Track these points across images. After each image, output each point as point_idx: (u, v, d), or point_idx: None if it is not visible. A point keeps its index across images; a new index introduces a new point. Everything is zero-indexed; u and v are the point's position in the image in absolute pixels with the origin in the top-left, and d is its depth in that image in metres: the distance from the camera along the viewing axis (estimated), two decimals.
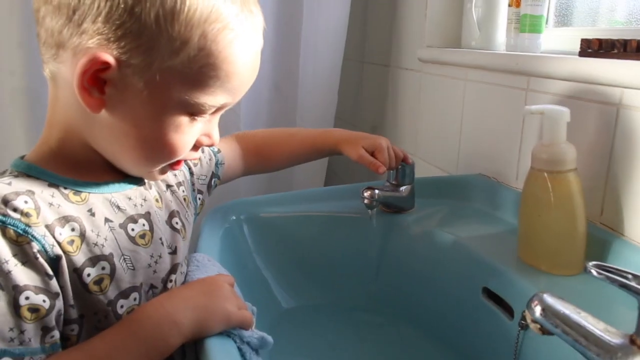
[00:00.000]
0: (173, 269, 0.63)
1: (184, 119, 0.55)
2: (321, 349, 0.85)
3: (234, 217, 0.90)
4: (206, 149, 0.80)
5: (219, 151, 0.83)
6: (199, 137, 0.59)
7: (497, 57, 0.99)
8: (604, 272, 0.47)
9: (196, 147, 0.60)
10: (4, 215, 0.49)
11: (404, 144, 1.37)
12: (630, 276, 0.46)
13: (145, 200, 0.62)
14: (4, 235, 0.48)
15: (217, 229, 0.85)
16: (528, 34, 1.05)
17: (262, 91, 1.38)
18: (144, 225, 0.60)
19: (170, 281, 0.62)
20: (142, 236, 0.59)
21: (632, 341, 0.46)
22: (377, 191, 0.88)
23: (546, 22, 1.13)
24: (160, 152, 0.56)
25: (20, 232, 0.49)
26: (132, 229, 0.58)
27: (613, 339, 0.47)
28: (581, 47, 0.81)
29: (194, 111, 0.55)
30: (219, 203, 0.92)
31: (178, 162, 0.61)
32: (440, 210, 0.97)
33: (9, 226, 0.49)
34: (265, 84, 1.38)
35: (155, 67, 0.51)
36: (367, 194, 0.87)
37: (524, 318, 0.67)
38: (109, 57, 0.50)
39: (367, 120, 1.64)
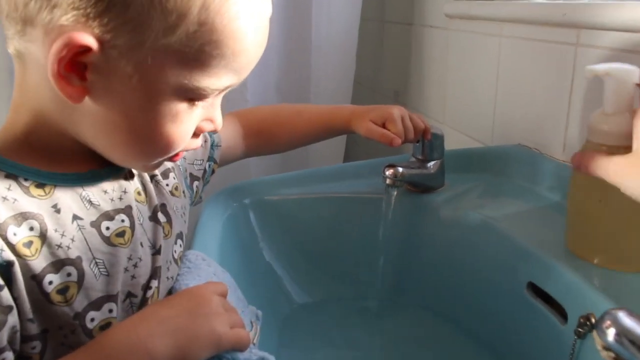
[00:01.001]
0: (154, 273, 0.53)
1: (182, 106, 0.46)
2: (340, 349, 0.76)
3: (238, 202, 0.80)
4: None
5: (214, 131, 0.72)
6: (200, 123, 0.51)
7: (539, 7, 0.85)
8: None
9: (197, 134, 0.51)
10: None
11: (431, 111, 1.24)
12: None
13: (125, 192, 0.52)
14: None
15: (218, 217, 0.76)
16: None
17: (271, 59, 1.26)
18: (122, 221, 0.50)
19: (150, 288, 0.53)
20: (121, 234, 0.50)
21: None
22: (400, 169, 0.76)
23: None
24: (156, 145, 0.48)
25: None
26: (107, 227, 0.49)
27: None
28: None
29: (194, 96, 0.46)
30: (223, 185, 0.82)
31: (177, 154, 0.51)
32: (475, 187, 0.85)
33: None
34: (274, 51, 1.27)
35: (147, 47, 0.42)
36: (389, 172, 0.76)
37: (580, 325, 0.56)
38: (88, 39, 0.41)
39: (390, 86, 1.52)
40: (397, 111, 0.77)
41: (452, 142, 1.08)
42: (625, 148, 0.54)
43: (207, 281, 0.56)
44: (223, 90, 0.49)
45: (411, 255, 0.82)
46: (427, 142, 0.80)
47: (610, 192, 0.57)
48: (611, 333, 0.39)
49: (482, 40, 1.01)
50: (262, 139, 0.80)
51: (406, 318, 0.81)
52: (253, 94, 1.23)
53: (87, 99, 0.44)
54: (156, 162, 0.51)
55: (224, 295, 0.53)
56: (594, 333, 0.41)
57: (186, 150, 0.53)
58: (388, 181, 0.76)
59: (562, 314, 0.61)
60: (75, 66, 0.42)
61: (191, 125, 0.49)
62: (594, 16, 0.73)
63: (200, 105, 0.48)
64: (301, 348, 0.75)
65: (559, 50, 0.80)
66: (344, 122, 0.79)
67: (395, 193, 0.77)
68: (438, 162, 0.81)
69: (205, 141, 0.71)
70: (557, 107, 0.82)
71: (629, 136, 0.53)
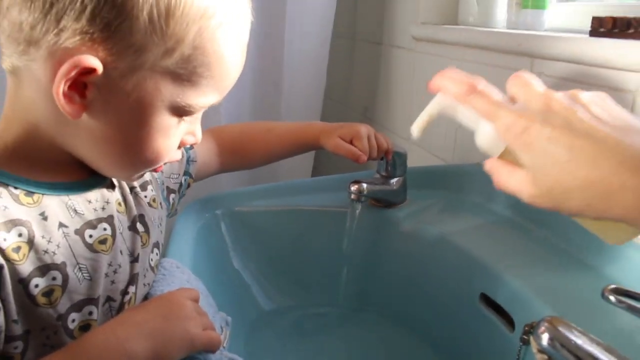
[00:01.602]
0: (132, 279, 0.56)
1: (172, 121, 0.50)
2: (305, 354, 0.79)
3: (210, 213, 0.83)
4: None
5: (190, 147, 0.75)
6: (184, 137, 0.54)
7: (498, 35, 0.91)
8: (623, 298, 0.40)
9: (179, 147, 0.55)
10: None
11: (397, 127, 1.29)
12: None
13: (107, 202, 0.55)
14: None
15: (191, 227, 0.79)
16: (531, 10, 0.97)
17: (245, 73, 1.29)
18: (104, 229, 0.53)
19: (127, 293, 0.55)
20: (103, 241, 0.53)
21: None
22: (364, 185, 0.80)
23: None
24: (145, 158, 0.51)
25: None
26: (90, 235, 0.52)
27: None
28: (592, 26, 0.73)
29: (184, 113, 0.50)
30: (196, 197, 0.85)
31: (160, 165, 0.55)
32: (434, 204, 0.89)
33: None
34: (247, 66, 1.29)
35: (146, 69, 0.46)
36: (354, 188, 0.80)
37: (525, 332, 0.61)
38: (95, 61, 0.43)
39: (359, 101, 1.56)
40: (364, 129, 0.81)
41: (416, 158, 1.13)
42: None
43: (181, 287, 0.59)
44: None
45: (373, 266, 0.86)
46: (390, 160, 0.84)
47: None
48: (545, 338, 0.44)
49: (446, 63, 1.07)
50: (236, 155, 0.82)
51: (367, 325, 0.84)
52: (226, 108, 1.26)
53: (84, 115, 0.47)
54: (141, 172, 0.55)
55: (196, 300, 0.56)
56: (531, 338, 0.46)
57: (166, 162, 0.56)
58: (353, 196, 0.80)
59: (511, 323, 0.66)
60: (77, 85, 0.45)
61: (177, 138, 0.53)
62: (545, 47, 0.78)
63: (186, 120, 0.52)
64: (267, 352, 0.78)
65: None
66: (313, 138, 0.83)
67: (360, 207, 0.81)
68: (400, 179, 0.86)
69: (182, 156, 0.73)
70: None
71: None
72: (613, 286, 0.40)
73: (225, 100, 1.23)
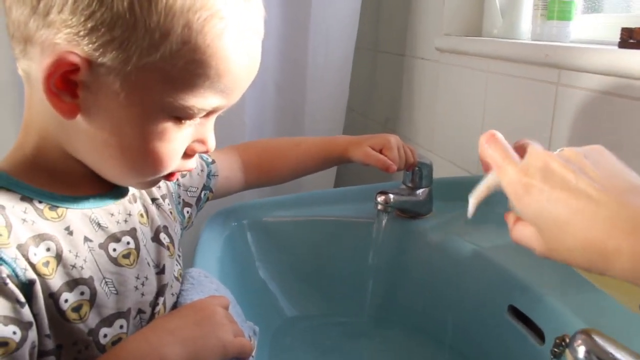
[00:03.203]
0: (160, 291, 0.56)
1: (168, 125, 0.47)
2: None
3: (236, 223, 0.84)
4: (197, 159, 0.73)
5: (212, 162, 0.75)
6: (192, 144, 0.52)
7: (523, 47, 0.91)
8: None
9: (189, 155, 0.52)
10: None
11: (420, 138, 1.29)
12: None
13: (130, 215, 0.55)
14: None
15: (217, 236, 0.79)
16: (556, 21, 0.96)
17: (268, 85, 1.31)
18: (128, 243, 0.53)
19: (157, 304, 0.56)
20: (127, 256, 0.53)
21: None
22: (391, 195, 0.80)
23: None
24: (145, 163, 0.49)
25: None
26: (114, 249, 0.52)
27: None
28: (621, 38, 0.73)
29: (181, 115, 0.47)
30: (220, 206, 0.85)
31: (172, 174, 0.53)
32: (460, 215, 0.89)
33: None
34: (271, 77, 1.31)
35: (133, 65, 0.43)
36: (381, 198, 0.80)
37: (556, 345, 0.60)
38: (75, 58, 0.42)
39: (381, 113, 1.56)
40: (394, 140, 0.81)
41: (440, 169, 1.13)
42: None
43: (211, 295, 0.59)
44: (213, 112, 0.50)
45: (398, 277, 0.86)
46: (417, 169, 0.84)
47: None
48: (582, 351, 0.44)
49: (470, 75, 1.07)
50: (261, 170, 0.82)
51: (392, 335, 0.84)
52: (251, 117, 1.27)
53: (79, 117, 0.45)
54: (150, 180, 0.52)
55: (226, 307, 0.56)
56: (567, 351, 0.45)
57: (181, 172, 0.55)
58: (379, 207, 0.80)
59: (540, 336, 0.65)
60: (67, 84, 0.44)
61: (180, 144, 0.50)
62: (573, 58, 0.78)
63: (189, 124, 0.49)
64: (291, 358, 0.79)
65: (541, 88, 0.86)
66: (341, 151, 0.82)
67: (386, 218, 0.81)
68: (426, 190, 0.86)
69: (202, 170, 0.73)
70: (539, 140, 0.86)
71: None
72: None
73: (249, 110, 1.26)
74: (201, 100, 0.46)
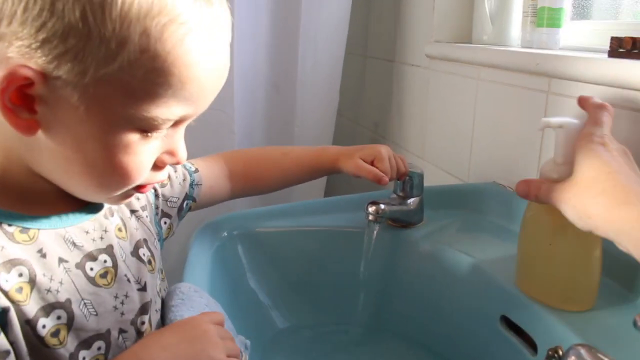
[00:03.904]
0: (143, 308, 0.55)
1: (133, 137, 0.45)
2: None
3: (226, 234, 0.83)
4: (180, 168, 0.72)
5: (196, 170, 0.74)
6: (161, 156, 0.50)
7: (514, 55, 0.91)
8: None
9: (159, 167, 0.51)
10: None
11: (410, 145, 1.29)
12: None
13: (106, 231, 0.53)
14: None
15: (207, 249, 0.78)
16: (546, 28, 0.96)
17: (258, 89, 1.30)
18: (105, 262, 0.52)
19: (143, 323, 0.55)
20: (104, 275, 0.51)
21: None
22: (382, 205, 0.80)
23: None
24: (112, 177, 0.47)
25: None
26: (91, 268, 0.50)
27: None
28: (611, 47, 0.73)
29: (146, 127, 0.45)
30: (208, 217, 0.84)
31: (143, 186, 0.51)
32: (452, 223, 0.89)
33: None
34: (260, 82, 1.30)
35: (90, 77, 0.41)
36: (372, 209, 0.79)
37: (549, 357, 0.60)
38: (28, 72, 0.40)
39: (370, 118, 1.56)
40: (384, 151, 0.81)
41: (430, 176, 1.13)
42: None
43: (201, 312, 0.58)
44: (180, 122, 0.48)
45: (390, 287, 0.86)
46: (407, 178, 0.84)
47: (559, 235, 0.63)
48: None
49: (461, 82, 1.06)
50: (248, 179, 0.81)
51: (383, 345, 0.84)
52: (239, 126, 1.26)
53: (40, 133, 0.44)
54: (119, 194, 0.50)
55: (220, 324, 0.56)
56: None
57: (152, 184, 0.53)
58: (370, 217, 0.79)
59: (533, 346, 0.65)
60: (23, 99, 0.42)
61: (147, 156, 0.48)
62: (564, 67, 0.78)
63: (155, 136, 0.47)
64: None
65: (531, 96, 0.86)
66: (331, 162, 0.82)
67: (377, 228, 0.80)
68: (417, 199, 0.85)
69: (184, 180, 0.72)
70: (530, 147, 0.87)
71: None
72: None
73: (238, 116, 1.25)
74: (165, 110, 0.44)
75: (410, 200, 0.85)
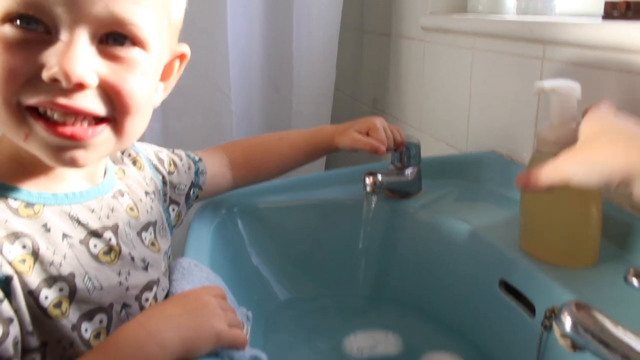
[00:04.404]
0: (147, 286, 0.56)
1: None
2: (322, 342, 0.79)
3: (226, 210, 0.83)
4: (184, 157, 0.73)
5: (199, 160, 0.75)
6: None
7: (508, 23, 0.90)
8: None
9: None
10: None
11: (408, 118, 1.29)
12: None
13: (112, 211, 0.54)
14: None
15: (207, 224, 0.79)
16: None
17: (253, 67, 1.30)
18: (109, 240, 0.53)
19: (147, 300, 0.56)
20: (107, 252, 0.52)
21: None
22: (379, 176, 0.80)
23: None
24: None
25: None
26: (95, 245, 0.52)
27: None
28: (605, 11, 0.72)
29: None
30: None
31: (54, 104, 0.44)
32: (450, 193, 0.89)
33: None
34: (255, 60, 1.30)
35: None
36: (369, 180, 0.80)
37: (547, 317, 0.61)
38: None
39: (368, 94, 1.56)
40: (379, 122, 0.81)
41: (428, 148, 1.13)
42: None
43: (202, 285, 0.59)
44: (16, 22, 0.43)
45: (391, 256, 0.87)
46: (404, 150, 0.84)
47: (556, 195, 0.63)
48: (568, 323, 0.44)
49: (457, 53, 1.06)
50: (250, 168, 0.81)
51: (385, 313, 0.85)
52: (237, 104, 1.26)
53: None
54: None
55: (221, 296, 0.57)
56: (554, 323, 0.46)
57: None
58: (368, 188, 0.80)
59: (531, 309, 0.66)
60: None
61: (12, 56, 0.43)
62: (558, 33, 0.78)
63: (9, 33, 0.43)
64: (286, 343, 0.79)
65: (527, 63, 0.86)
66: (327, 140, 0.82)
67: (375, 199, 0.81)
68: (415, 169, 0.86)
69: (189, 168, 0.73)
70: (527, 115, 0.87)
71: (571, 143, 0.59)
72: (636, 269, 0.41)
73: (235, 96, 1.25)
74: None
75: (408, 171, 0.85)
